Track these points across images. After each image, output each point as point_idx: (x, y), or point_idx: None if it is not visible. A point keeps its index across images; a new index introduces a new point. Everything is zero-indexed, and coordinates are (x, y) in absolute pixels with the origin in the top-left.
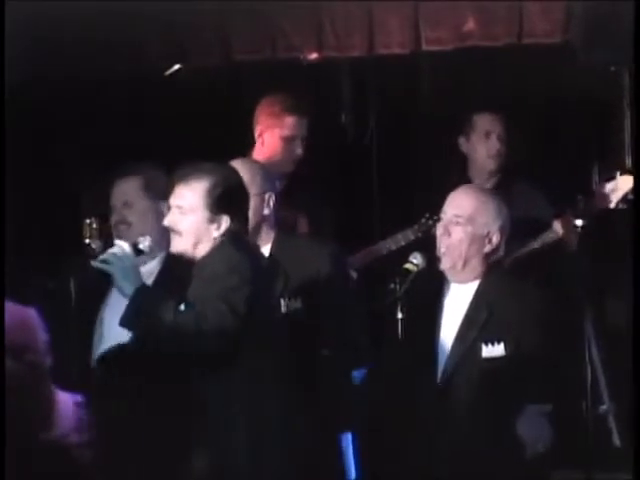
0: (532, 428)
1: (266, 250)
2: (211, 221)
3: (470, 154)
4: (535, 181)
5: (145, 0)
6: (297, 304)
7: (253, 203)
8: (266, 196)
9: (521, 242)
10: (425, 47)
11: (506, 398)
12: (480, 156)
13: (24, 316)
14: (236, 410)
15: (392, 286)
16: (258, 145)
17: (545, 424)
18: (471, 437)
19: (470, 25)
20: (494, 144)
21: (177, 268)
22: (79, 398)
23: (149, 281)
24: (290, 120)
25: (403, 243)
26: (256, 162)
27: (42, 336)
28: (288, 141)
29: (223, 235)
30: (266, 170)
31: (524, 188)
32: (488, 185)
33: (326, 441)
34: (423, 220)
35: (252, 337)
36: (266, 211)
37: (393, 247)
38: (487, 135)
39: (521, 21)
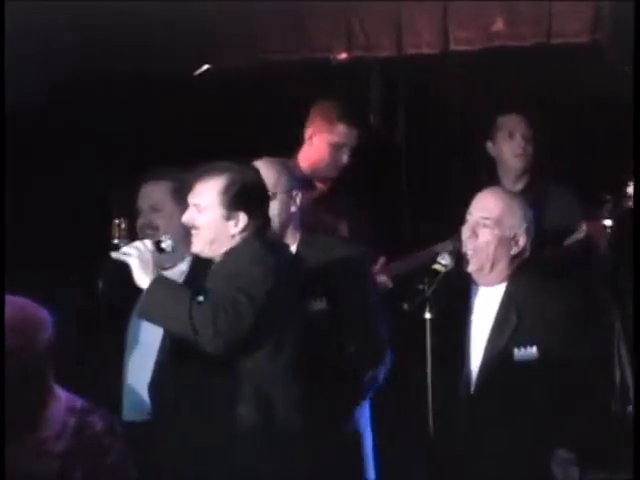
0: (563, 473)
1: (292, 250)
2: (228, 218)
3: (498, 156)
4: (566, 182)
5: (176, 0)
6: (322, 304)
7: (280, 201)
8: (293, 194)
9: (557, 243)
10: (453, 47)
11: (540, 401)
12: (506, 156)
13: (30, 313)
14: (249, 407)
15: (420, 286)
16: (306, 147)
17: (575, 470)
18: (505, 443)
19: (498, 25)
20: (518, 143)
21: (203, 267)
22: (78, 403)
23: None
24: (342, 128)
25: None
26: (282, 160)
27: (44, 335)
28: (336, 148)
29: (244, 231)
30: (292, 169)
31: (559, 189)
32: (518, 186)
33: (342, 441)
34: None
35: (274, 335)
36: (293, 209)
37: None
38: (511, 135)
39: (549, 21)
